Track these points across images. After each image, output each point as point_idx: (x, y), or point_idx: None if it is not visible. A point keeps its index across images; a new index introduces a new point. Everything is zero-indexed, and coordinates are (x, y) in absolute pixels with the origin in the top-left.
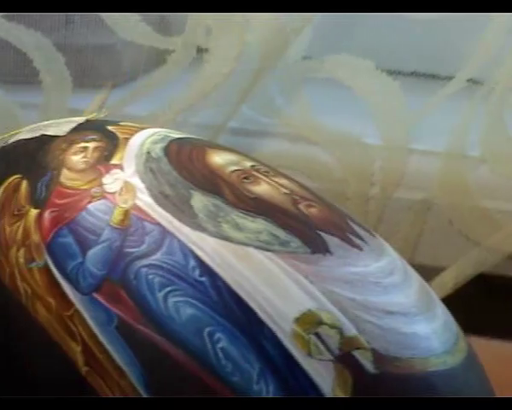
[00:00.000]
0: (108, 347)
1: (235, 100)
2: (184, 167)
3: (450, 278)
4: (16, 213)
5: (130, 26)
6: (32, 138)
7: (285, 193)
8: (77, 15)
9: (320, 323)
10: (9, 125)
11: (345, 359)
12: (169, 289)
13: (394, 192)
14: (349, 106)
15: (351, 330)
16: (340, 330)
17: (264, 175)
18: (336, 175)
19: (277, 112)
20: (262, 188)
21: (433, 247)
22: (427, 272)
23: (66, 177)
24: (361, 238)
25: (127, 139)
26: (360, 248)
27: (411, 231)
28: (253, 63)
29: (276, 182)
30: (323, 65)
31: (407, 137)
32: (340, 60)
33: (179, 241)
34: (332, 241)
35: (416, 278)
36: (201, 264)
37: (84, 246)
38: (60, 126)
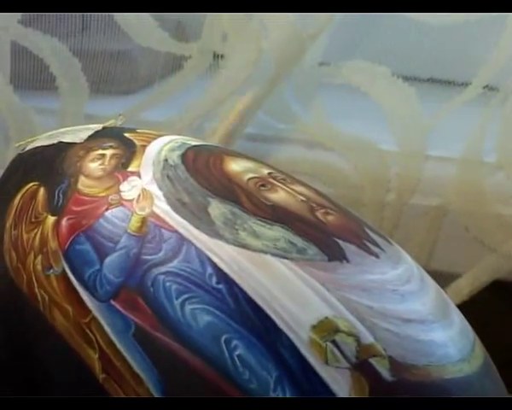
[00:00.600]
0: (126, 354)
1: (251, 107)
2: (201, 175)
3: (466, 285)
4: (33, 220)
5: (146, 31)
6: (49, 145)
7: (302, 200)
8: (93, 21)
9: (337, 330)
10: (26, 130)
11: (362, 366)
12: (186, 296)
13: (410, 198)
14: (365, 112)
15: (368, 338)
16: (357, 338)
17: (282, 182)
18: (352, 181)
19: (293, 118)
20: (279, 195)
21: (448, 253)
22: (443, 279)
23: (83, 184)
24: (378, 246)
25: (144, 147)
26: (377, 256)
27: (427, 237)
28: (269, 69)
29: (293, 189)
30: (339, 71)
31: (423, 143)
32: (356, 66)
33: (196, 248)
34: (349, 248)
35: (432, 285)
36: (219, 271)
37: (102, 253)
38: (77, 133)
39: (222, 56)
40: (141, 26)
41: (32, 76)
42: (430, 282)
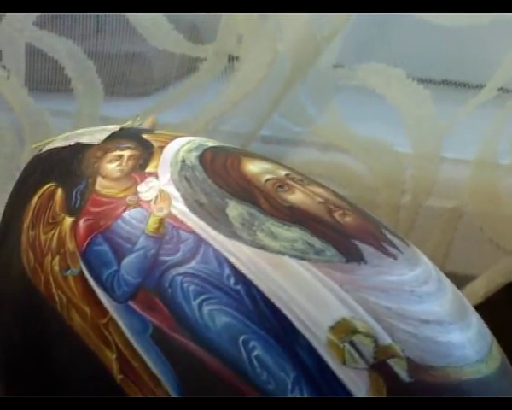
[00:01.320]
0: (143, 355)
1: (267, 108)
2: (219, 176)
3: (481, 287)
4: (51, 221)
5: (161, 33)
6: (66, 146)
7: (320, 202)
8: (108, 23)
9: (355, 331)
10: (41, 132)
11: (379, 367)
12: (204, 297)
13: (425, 200)
14: (380, 114)
15: (385, 339)
16: (375, 339)
17: (299, 184)
18: (367, 183)
19: (308, 120)
20: (297, 196)
21: (463, 255)
22: (458, 281)
23: (101, 185)
24: (395, 247)
25: (162, 148)
26: (395, 257)
27: (442, 239)
28: (284, 71)
29: (311, 190)
30: (355, 73)
31: (438, 145)
32: (372, 68)
33: (214, 249)
34: (367, 250)
35: (450, 286)
36: (236, 272)
37: (120, 254)
38: (94, 134)
39: (237, 58)
40: (156, 28)
41: (46, 78)
42: (447, 283)
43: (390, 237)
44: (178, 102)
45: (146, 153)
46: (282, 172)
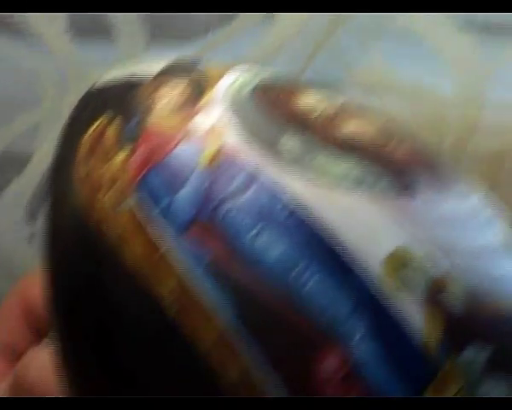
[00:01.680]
0: (199, 287)
1: (309, 52)
2: (272, 110)
3: None
4: (104, 156)
5: None
6: (118, 81)
7: (374, 132)
8: None
9: (409, 263)
10: (82, 80)
11: (434, 299)
12: (257, 230)
13: (468, 144)
14: (422, 58)
15: (439, 271)
16: (429, 271)
17: (353, 114)
18: (409, 127)
19: (350, 65)
20: (350, 128)
21: (508, 199)
22: None
23: (153, 120)
24: (448, 180)
25: (215, 81)
26: (448, 190)
27: (485, 183)
28: (325, 15)
29: (365, 121)
30: (396, 16)
31: (481, 89)
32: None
33: (267, 183)
34: (420, 181)
35: (501, 218)
36: (289, 206)
37: (173, 188)
38: (147, 68)
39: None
40: None
41: (89, 26)
42: (499, 215)
43: (443, 168)
44: (219, 49)
45: (198, 88)
46: (337, 103)
